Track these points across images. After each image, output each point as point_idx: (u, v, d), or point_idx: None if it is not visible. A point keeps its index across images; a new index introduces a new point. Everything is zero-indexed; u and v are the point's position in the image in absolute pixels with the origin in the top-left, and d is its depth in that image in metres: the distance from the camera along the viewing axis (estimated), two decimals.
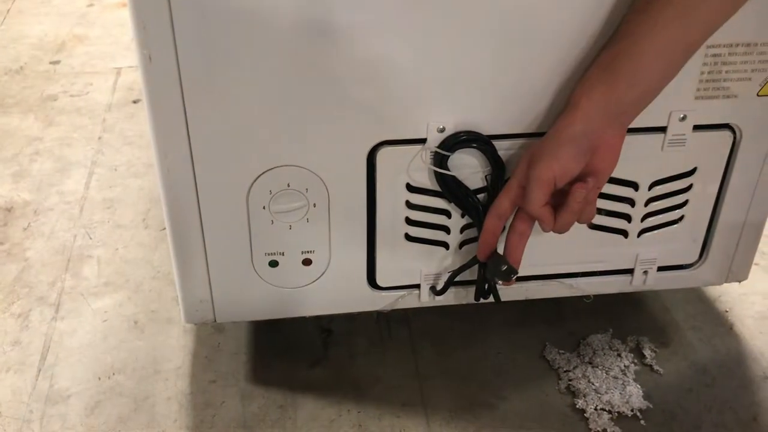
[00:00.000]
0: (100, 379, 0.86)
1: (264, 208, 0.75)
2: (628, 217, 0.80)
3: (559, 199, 0.70)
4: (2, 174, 1.25)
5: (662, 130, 0.75)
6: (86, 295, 0.99)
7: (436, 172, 0.74)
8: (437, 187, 0.76)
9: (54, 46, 1.72)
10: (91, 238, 1.10)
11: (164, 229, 1.10)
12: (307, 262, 0.79)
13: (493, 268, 0.75)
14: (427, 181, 0.76)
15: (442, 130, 0.72)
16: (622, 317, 0.95)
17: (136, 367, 0.88)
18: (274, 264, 0.78)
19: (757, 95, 0.75)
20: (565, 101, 0.70)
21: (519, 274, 0.80)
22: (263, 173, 0.73)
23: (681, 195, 0.80)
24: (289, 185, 0.74)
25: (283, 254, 0.78)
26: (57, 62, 1.65)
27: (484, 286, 0.79)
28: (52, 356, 0.89)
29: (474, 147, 0.73)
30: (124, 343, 0.91)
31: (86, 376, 0.87)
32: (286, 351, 0.90)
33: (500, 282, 0.77)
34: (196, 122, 0.69)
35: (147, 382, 0.86)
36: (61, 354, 0.90)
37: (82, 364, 0.88)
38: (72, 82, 1.57)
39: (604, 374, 0.86)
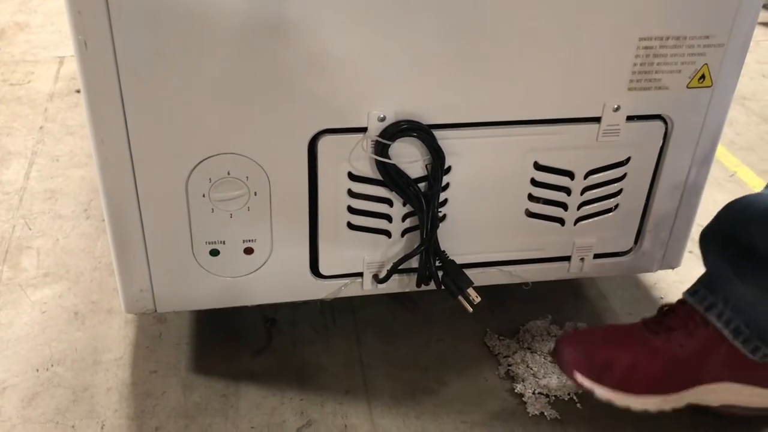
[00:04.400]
0: (38, 370, 0.85)
1: (204, 196, 0.75)
2: (564, 206, 0.82)
3: None
4: None
5: (597, 120, 0.77)
6: (24, 286, 0.97)
7: (377, 161, 0.75)
8: (379, 176, 0.77)
9: None
10: (30, 229, 1.07)
11: None
12: (248, 251, 0.79)
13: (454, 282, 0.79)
14: (368, 169, 0.76)
15: (382, 119, 0.73)
16: (561, 304, 0.97)
17: (76, 358, 0.87)
18: (215, 253, 0.78)
19: (687, 87, 0.77)
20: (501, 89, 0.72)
21: (459, 262, 0.82)
22: (202, 161, 0.73)
23: (615, 184, 0.82)
24: (229, 173, 0.74)
25: (224, 243, 0.78)
26: None
27: (425, 273, 0.80)
28: None
29: (414, 136, 0.74)
30: (64, 334, 0.90)
31: (23, 368, 0.85)
32: (230, 340, 0.90)
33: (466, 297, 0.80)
34: (134, 109, 0.69)
35: (86, 373, 0.85)
36: None
37: (19, 356, 0.87)
38: (12, 70, 1.53)
39: (543, 359, 0.88)
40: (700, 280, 0.80)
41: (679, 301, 0.80)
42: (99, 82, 0.67)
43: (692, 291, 0.79)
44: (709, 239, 0.81)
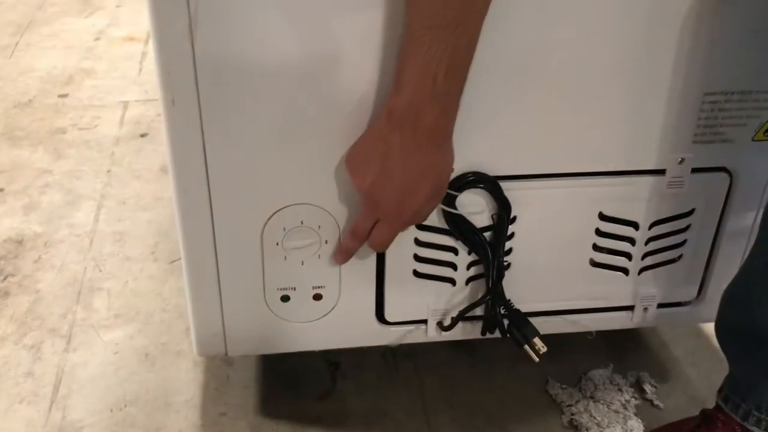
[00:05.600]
0: (112, 410, 0.88)
1: (278, 244, 0.77)
2: (629, 256, 0.83)
3: None
4: (13, 206, 1.27)
5: (662, 172, 0.78)
6: (97, 327, 1.01)
7: (444, 211, 0.77)
8: (445, 225, 0.78)
9: (62, 80, 1.76)
10: (101, 271, 1.12)
11: (173, 262, 1.12)
12: (317, 297, 0.81)
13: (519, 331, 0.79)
14: (435, 219, 0.78)
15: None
16: (623, 353, 0.97)
17: (148, 399, 0.89)
18: (285, 299, 0.81)
19: (752, 140, 0.78)
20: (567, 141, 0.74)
21: (523, 311, 0.83)
22: (278, 211, 0.76)
23: (680, 234, 0.83)
24: (302, 222, 0.77)
25: (294, 289, 0.80)
26: (65, 95, 1.68)
27: (491, 321, 0.81)
28: (65, 388, 0.91)
29: (481, 187, 0.76)
30: (135, 375, 0.93)
31: (99, 407, 0.88)
32: (295, 384, 0.92)
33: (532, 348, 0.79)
34: (215, 163, 0.72)
35: (158, 414, 0.87)
36: (73, 386, 0.91)
37: (94, 395, 0.90)
38: (80, 115, 1.60)
39: (606, 408, 0.88)
40: (729, 381, 0.78)
41: (717, 407, 0.78)
42: (184, 136, 0.71)
43: (724, 397, 0.77)
44: (721, 335, 0.79)
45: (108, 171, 1.39)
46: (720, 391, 0.78)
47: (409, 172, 0.66)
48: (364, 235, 0.74)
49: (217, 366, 0.94)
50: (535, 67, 0.71)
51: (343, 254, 0.76)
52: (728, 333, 0.78)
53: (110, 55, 1.89)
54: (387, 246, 0.74)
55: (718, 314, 0.79)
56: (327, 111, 0.71)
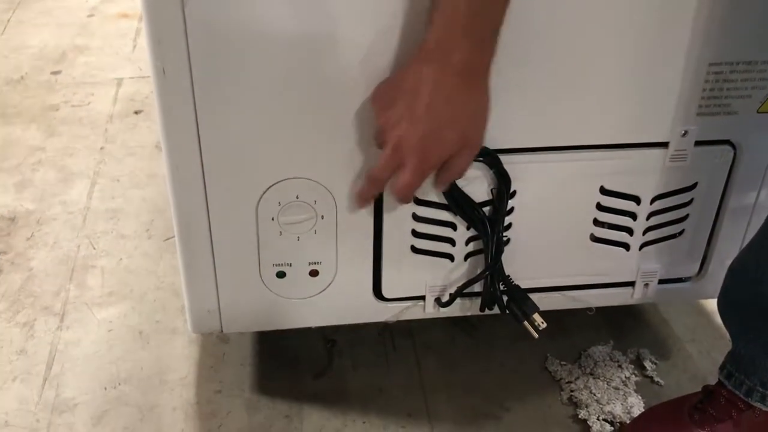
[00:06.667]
0: (105, 389, 0.87)
1: (273, 219, 0.76)
2: (630, 231, 0.82)
3: None
4: (5, 184, 1.25)
5: (664, 145, 0.77)
6: (91, 305, 0.99)
7: None
8: (443, 200, 0.77)
9: (55, 57, 1.73)
10: (94, 248, 1.10)
11: (168, 239, 1.11)
12: (314, 273, 0.80)
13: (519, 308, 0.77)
14: (433, 193, 0.77)
15: None
16: (623, 329, 0.96)
17: (142, 377, 0.88)
18: (281, 275, 0.79)
19: (757, 112, 0.76)
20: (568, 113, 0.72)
21: (523, 287, 0.81)
22: (272, 185, 0.74)
23: (682, 209, 0.81)
24: (297, 197, 0.75)
25: (290, 265, 0.79)
26: (58, 72, 1.66)
27: (490, 297, 0.80)
28: (58, 366, 0.90)
29: (480, 160, 0.75)
30: (129, 353, 0.92)
31: (92, 385, 0.87)
32: (291, 361, 0.91)
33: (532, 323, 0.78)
34: (208, 135, 0.70)
35: (153, 392, 0.86)
36: (66, 363, 0.90)
37: (87, 373, 0.89)
38: (73, 92, 1.57)
39: (606, 385, 0.87)
40: (731, 358, 0.76)
41: (719, 383, 0.77)
42: (175, 108, 0.69)
43: (727, 373, 0.76)
44: (725, 309, 0.77)
45: (101, 148, 1.37)
46: (722, 368, 0.77)
47: (437, 112, 0.61)
48: (383, 182, 0.67)
49: (213, 343, 0.93)
50: (536, 39, 0.69)
51: (361, 199, 0.71)
52: (733, 307, 0.76)
53: (104, 32, 1.86)
54: (411, 195, 0.68)
55: (722, 288, 0.77)
56: (323, 81, 0.69)
